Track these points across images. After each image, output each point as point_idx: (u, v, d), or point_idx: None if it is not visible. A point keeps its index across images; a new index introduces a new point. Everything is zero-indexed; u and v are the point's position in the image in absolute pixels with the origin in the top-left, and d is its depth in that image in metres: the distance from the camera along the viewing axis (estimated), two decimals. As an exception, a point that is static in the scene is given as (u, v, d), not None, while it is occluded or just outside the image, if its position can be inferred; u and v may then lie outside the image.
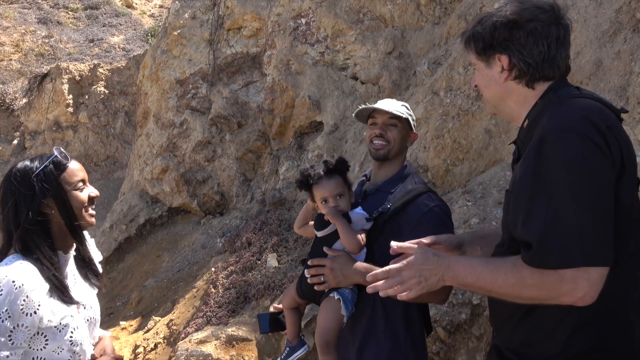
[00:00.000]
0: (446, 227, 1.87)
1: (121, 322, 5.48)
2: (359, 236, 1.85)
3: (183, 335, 4.12)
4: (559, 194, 1.18)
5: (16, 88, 12.03)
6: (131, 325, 5.34)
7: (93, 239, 1.90)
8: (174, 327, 4.58)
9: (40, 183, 1.61)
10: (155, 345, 4.59)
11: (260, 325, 2.13)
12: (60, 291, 1.59)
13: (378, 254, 1.86)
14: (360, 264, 1.83)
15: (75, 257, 1.74)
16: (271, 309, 2.21)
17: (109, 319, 5.81)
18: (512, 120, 1.50)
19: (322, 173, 1.96)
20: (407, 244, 1.45)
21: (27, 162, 1.66)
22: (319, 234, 1.92)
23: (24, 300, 1.48)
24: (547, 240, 1.17)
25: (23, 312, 1.48)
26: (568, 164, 1.19)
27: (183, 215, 7.57)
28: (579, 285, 1.16)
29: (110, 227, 7.54)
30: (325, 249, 1.90)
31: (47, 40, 14.86)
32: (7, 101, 11.89)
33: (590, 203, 1.17)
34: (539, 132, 1.25)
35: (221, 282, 4.46)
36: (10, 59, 13.88)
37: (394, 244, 1.43)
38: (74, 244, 1.70)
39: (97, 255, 1.87)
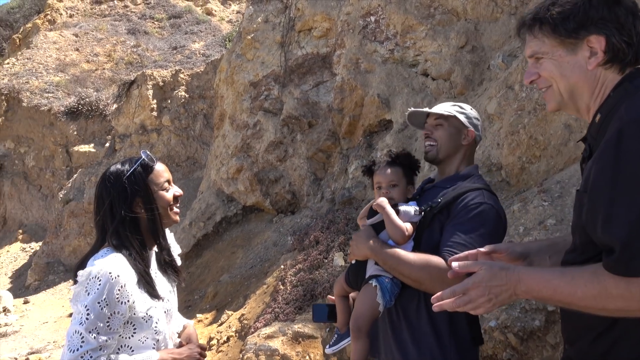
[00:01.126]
0: (489, 225, 1.78)
1: (197, 315, 5.75)
2: (404, 225, 1.82)
3: (252, 330, 4.25)
4: None
5: (108, 95, 13.02)
6: (206, 318, 5.59)
7: (172, 234, 2.01)
8: (245, 322, 4.73)
9: (131, 185, 1.72)
10: (228, 339, 4.77)
11: (314, 314, 2.17)
12: (148, 284, 1.71)
13: (424, 248, 1.83)
14: (374, 240, 1.84)
15: (157, 253, 1.85)
16: (327, 301, 2.24)
17: (187, 311, 6.12)
18: (579, 116, 1.34)
19: (386, 162, 2.01)
20: (468, 262, 1.34)
21: (119, 165, 1.79)
22: (368, 222, 1.94)
23: (119, 289, 1.60)
24: (632, 244, 1.05)
25: (118, 301, 1.60)
26: None
27: (256, 213, 7.80)
28: None
29: (189, 225, 7.93)
30: (359, 219, 1.96)
31: (135, 49, 15.94)
32: (101, 107, 12.91)
33: None
34: (616, 125, 1.12)
35: (289, 279, 4.54)
36: (104, 68, 15.05)
37: (454, 264, 1.33)
38: (156, 242, 1.81)
39: (176, 249, 1.98)
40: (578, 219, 1.26)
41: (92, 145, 12.24)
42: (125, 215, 1.71)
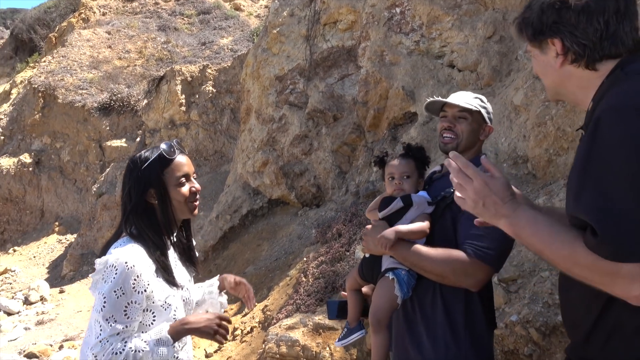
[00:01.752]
0: None
1: (223, 306, 5.85)
2: (424, 224, 1.82)
3: (275, 321, 4.29)
4: (614, 178, 1.06)
5: (139, 90, 13.30)
6: (231, 309, 5.68)
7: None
8: (268, 313, 4.79)
9: (145, 175, 1.75)
10: (251, 329, 4.84)
11: (329, 310, 2.17)
12: (165, 272, 1.74)
13: (438, 239, 1.83)
14: (389, 231, 1.82)
15: (176, 243, 1.88)
16: (340, 297, 2.24)
17: (213, 303, 6.23)
18: (577, 105, 1.37)
19: (399, 153, 2.00)
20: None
21: (144, 152, 1.81)
22: (380, 214, 1.93)
23: (135, 279, 1.63)
24: (602, 226, 1.05)
25: (135, 290, 1.63)
26: (627, 145, 1.05)
27: (282, 206, 7.86)
28: (637, 284, 1.03)
29: (216, 217, 8.06)
30: (367, 212, 1.96)
31: (165, 46, 16.22)
32: (132, 103, 13.21)
33: None
34: (596, 113, 1.14)
35: (311, 271, 4.57)
36: (135, 65, 15.38)
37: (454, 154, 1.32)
38: (170, 232, 1.83)
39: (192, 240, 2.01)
40: (567, 206, 1.28)
41: (123, 140, 12.55)
42: (138, 202, 1.74)
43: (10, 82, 16.99)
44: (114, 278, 1.62)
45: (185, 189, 1.79)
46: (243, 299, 2.04)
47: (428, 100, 2.03)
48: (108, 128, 13.07)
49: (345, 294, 2.19)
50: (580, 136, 1.35)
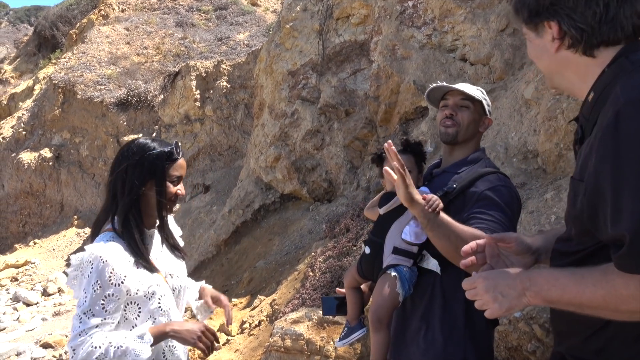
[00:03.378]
0: (510, 207, 1.74)
1: (233, 299, 5.89)
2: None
3: (281, 315, 4.31)
4: None
5: (155, 86, 13.45)
6: (241, 303, 5.72)
7: (171, 216, 2.06)
8: (276, 307, 4.81)
9: (149, 162, 1.77)
10: (259, 323, 4.87)
11: (324, 307, 2.15)
12: (142, 261, 1.76)
13: None
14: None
15: (162, 235, 1.92)
16: (336, 294, 2.22)
17: (223, 296, 6.28)
18: (573, 95, 1.30)
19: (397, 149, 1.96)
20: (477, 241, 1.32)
21: (149, 140, 1.84)
22: (382, 210, 1.90)
23: (111, 272, 1.66)
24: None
25: (111, 283, 1.66)
26: None
27: (294, 201, 7.88)
28: None
29: (229, 212, 8.12)
30: (366, 211, 1.93)
31: (182, 42, 16.35)
32: (149, 98, 13.37)
33: None
34: (614, 108, 1.05)
35: (318, 266, 4.58)
36: (152, 61, 15.55)
37: (463, 260, 1.31)
38: (156, 223, 1.87)
39: (177, 231, 2.04)
40: (573, 208, 1.20)
41: (140, 135, 12.74)
42: (137, 186, 1.76)
43: (34, 78, 17.35)
44: (90, 273, 1.66)
45: (174, 189, 1.83)
46: (224, 314, 2.02)
47: (431, 86, 1.97)
48: (125, 123, 13.26)
49: (342, 290, 2.17)
50: (575, 128, 1.29)
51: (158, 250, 1.88)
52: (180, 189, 1.85)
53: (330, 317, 3.78)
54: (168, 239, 1.94)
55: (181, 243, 2.06)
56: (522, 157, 4.37)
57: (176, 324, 1.78)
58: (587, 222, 1.12)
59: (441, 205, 1.66)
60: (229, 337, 4.94)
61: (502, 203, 1.72)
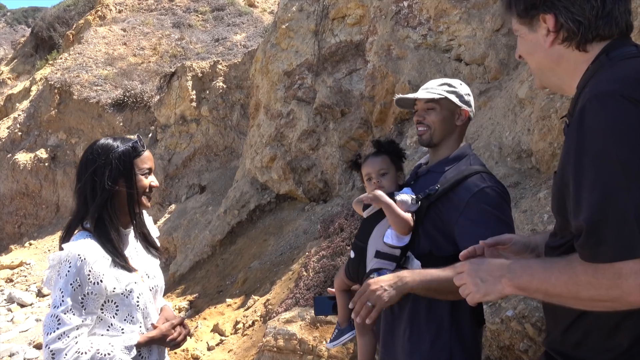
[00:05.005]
0: (500, 209, 1.71)
1: (227, 300, 5.87)
2: (407, 215, 1.76)
3: (274, 315, 4.29)
4: (608, 171, 0.98)
5: (152, 87, 13.43)
6: (235, 303, 5.70)
7: (151, 217, 2.06)
8: (270, 307, 4.79)
9: (117, 161, 1.77)
10: (253, 323, 4.85)
11: (316, 307, 2.14)
12: (119, 260, 1.75)
13: (424, 239, 1.77)
14: (401, 273, 1.69)
15: (136, 231, 1.90)
16: (328, 294, 2.21)
17: (218, 296, 6.26)
18: (563, 93, 1.31)
19: (370, 153, 1.95)
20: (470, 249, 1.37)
21: (110, 140, 1.83)
22: (364, 213, 1.89)
23: (90, 270, 1.65)
24: (596, 227, 0.98)
25: (90, 281, 1.64)
26: (614, 133, 0.99)
27: (289, 201, 7.86)
28: None
29: (224, 212, 8.09)
30: (354, 204, 1.90)
31: (179, 43, 16.33)
32: (145, 99, 13.34)
33: None
34: (582, 102, 1.07)
35: (312, 265, 4.55)
36: (149, 61, 15.52)
37: (462, 255, 1.35)
38: (131, 221, 1.85)
39: (154, 232, 2.02)
40: (553, 202, 1.22)
41: (136, 136, 12.67)
42: (107, 187, 1.74)
43: (30, 79, 17.30)
44: (68, 271, 1.63)
45: (147, 181, 1.82)
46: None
47: (395, 98, 2.01)
48: (121, 124, 13.22)
49: (332, 290, 2.16)
50: (564, 125, 1.29)
51: (133, 250, 1.87)
52: (153, 180, 1.85)
53: (323, 317, 3.76)
54: (144, 237, 1.93)
55: (157, 243, 2.04)
56: (516, 156, 4.36)
57: (152, 331, 1.80)
58: (557, 214, 1.16)
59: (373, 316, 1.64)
60: (223, 338, 4.91)
61: (487, 208, 1.69)
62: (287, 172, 7.80)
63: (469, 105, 1.90)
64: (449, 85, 1.88)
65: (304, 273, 4.59)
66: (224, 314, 5.44)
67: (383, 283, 1.65)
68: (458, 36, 6.06)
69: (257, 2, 19.26)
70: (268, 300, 4.92)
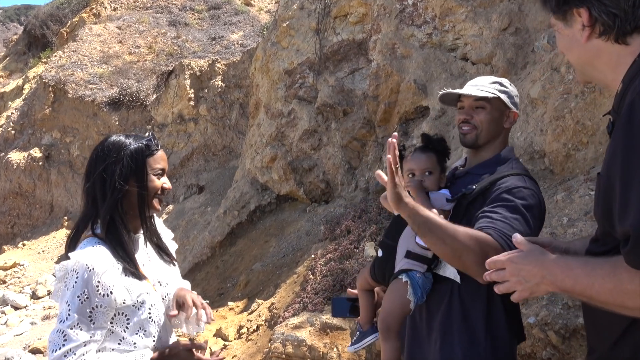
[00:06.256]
0: (531, 212, 1.59)
1: (229, 303, 5.74)
2: (434, 211, 1.66)
3: (281, 319, 4.18)
4: None
5: (148, 85, 13.26)
6: (238, 306, 5.58)
7: (161, 219, 1.94)
8: (275, 311, 4.67)
9: (129, 158, 1.65)
10: (257, 327, 4.73)
11: (334, 308, 2.05)
12: (130, 267, 1.62)
13: None
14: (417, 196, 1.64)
15: (147, 236, 1.78)
16: (347, 294, 2.11)
17: (219, 299, 6.13)
18: (607, 88, 1.22)
19: (417, 147, 1.83)
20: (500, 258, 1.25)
21: (122, 137, 1.72)
22: (395, 212, 1.78)
23: (99, 282, 1.52)
24: None
25: (99, 293, 1.52)
26: None
27: (290, 202, 7.74)
28: None
29: (224, 213, 7.96)
30: (382, 198, 1.72)
31: (175, 41, 16.16)
32: (142, 97, 13.17)
33: None
34: (628, 98, 1.00)
35: (319, 269, 4.44)
36: (145, 60, 15.34)
37: (516, 236, 1.23)
38: (142, 225, 1.73)
39: (167, 234, 1.91)
40: (597, 206, 1.14)
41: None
42: (118, 186, 1.62)
43: (23, 77, 17.06)
44: (75, 283, 1.51)
45: (159, 182, 1.71)
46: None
47: (440, 92, 1.89)
48: (117, 123, 13.04)
49: (353, 291, 2.07)
50: (607, 122, 1.21)
51: (145, 256, 1.74)
52: (165, 182, 1.73)
53: (335, 321, 3.65)
54: (155, 241, 1.80)
55: (174, 246, 1.92)
56: (528, 157, 4.27)
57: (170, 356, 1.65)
58: (603, 219, 1.09)
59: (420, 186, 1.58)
60: (226, 343, 4.79)
61: (518, 203, 1.59)
62: (288, 172, 7.69)
63: (517, 108, 1.81)
64: (501, 84, 1.79)
65: (311, 276, 4.48)
66: (227, 317, 5.31)
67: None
68: (464, 35, 5.97)
69: (254, 1, 19.13)
70: (273, 304, 4.80)
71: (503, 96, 1.74)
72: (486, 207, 1.61)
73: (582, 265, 1.07)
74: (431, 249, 1.59)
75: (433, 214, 1.53)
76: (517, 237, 1.20)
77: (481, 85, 1.77)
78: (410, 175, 1.79)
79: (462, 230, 1.50)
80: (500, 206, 1.59)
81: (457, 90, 1.81)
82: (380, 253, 1.86)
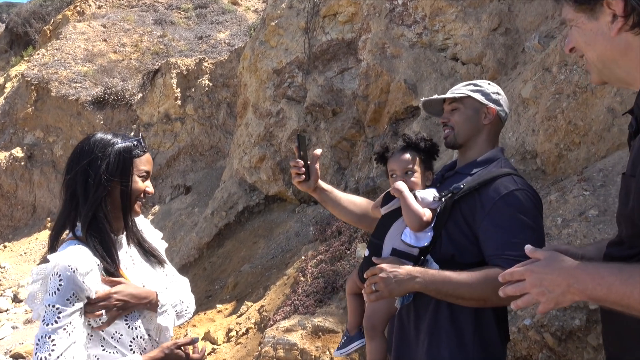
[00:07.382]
0: (530, 215, 1.59)
1: (217, 305, 5.65)
2: (422, 211, 1.64)
3: (271, 322, 4.10)
4: None
5: (134, 84, 13.07)
6: (226, 309, 5.48)
7: (148, 220, 1.88)
8: (265, 314, 4.59)
9: (116, 156, 1.59)
10: (247, 330, 4.64)
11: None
12: (111, 268, 1.56)
13: (446, 242, 1.65)
14: (414, 269, 1.60)
15: (131, 237, 1.71)
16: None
17: (207, 302, 6.03)
18: (627, 87, 1.16)
19: (398, 147, 1.82)
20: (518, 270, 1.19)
21: (110, 135, 1.65)
22: (383, 210, 1.77)
23: (84, 281, 1.47)
24: None
25: (87, 295, 1.47)
26: None
27: (279, 203, 7.66)
28: None
29: (211, 214, 7.85)
30: (374, 258, 1.71)
31: (161, 40, 15.97)
32: (127, 97, 12.97)
33: None
34: None
35: (310, 270, 4.38)
36: (130, 58, 15.13)
37: (528, 247, 1.18)
38: (125, 226, 1.66)
39: (156, 235, 1.84)
40: (624, 208, 1.08)
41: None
42: (102, 182, 1.55)
43: (5, 76, 16.72)
44: (60, 286, 1.43)
45: (142, 185, 1.64)
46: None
47: (421, 105, 1.96)
48: (102, 122, 12.83)
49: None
50: (609, 122, 1.16)
51: (128, 259, 1.67)
52: (149, 185, 1.66)
53: (327, 325, 3.59)
54: (140, 243, 1.73)
55: (163, 245, 1.85)
56: (520, 157, 4.26)
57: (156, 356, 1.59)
58: (626, 220, 1.05)
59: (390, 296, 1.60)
60: (215, 346, 4.70)
61: (522, 214, 1.58)
62: (276, 172, 7.61)
63: (498, 104, 1.79)
64: (475, 85, 1.81)
65: (302, 278, 4.41)
66: (215, 320, 5.22)
67: (393, 274, 1.58)
68: (454, 35, 5.95)
69: (241, 1, 19.00)
70: (262, 306, 4.72)
71: (475, 94, 1.77)
72: (489, 225, 1.60)
73: (616, 272, 1.01)
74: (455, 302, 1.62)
75: (439, 277, 1.57)
76: (529, 248, 1.15)
77: (455, 89, 1.82)
78: (392, 176, 1.81)
79: (473, 277, 1.54)
80: (500, 223, 1.59)
81: (429, 98, 1.88)
82: (366, 253, 1.83)
